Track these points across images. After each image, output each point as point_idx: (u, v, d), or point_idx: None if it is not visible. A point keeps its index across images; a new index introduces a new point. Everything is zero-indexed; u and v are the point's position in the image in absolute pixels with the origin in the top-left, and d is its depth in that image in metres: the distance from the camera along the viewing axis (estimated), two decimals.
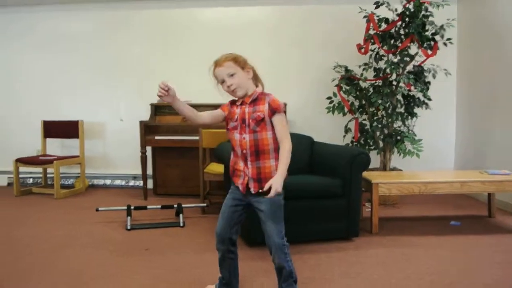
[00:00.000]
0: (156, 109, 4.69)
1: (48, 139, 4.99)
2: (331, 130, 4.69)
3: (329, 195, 3.06)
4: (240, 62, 2.03)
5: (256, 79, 2.09)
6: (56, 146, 5.11)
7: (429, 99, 4.32)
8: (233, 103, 2.11)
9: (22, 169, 4.69)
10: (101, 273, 2.51)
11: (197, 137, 3.92)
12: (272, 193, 1.90)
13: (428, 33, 4.12)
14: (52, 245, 2.99)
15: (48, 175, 4.94)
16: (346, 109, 4.37)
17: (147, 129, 4.43)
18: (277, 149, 2.02)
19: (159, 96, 2.04)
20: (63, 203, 4.30)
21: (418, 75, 4.23)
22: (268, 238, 2.02)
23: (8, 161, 4.77)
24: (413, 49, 4.25)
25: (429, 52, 4.16)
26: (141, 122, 4.38)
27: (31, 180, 5.14)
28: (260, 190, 1.96)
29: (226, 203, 2.14)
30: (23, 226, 3.46)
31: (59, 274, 2.48)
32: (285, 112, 2.04)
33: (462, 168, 4.67)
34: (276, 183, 1.90)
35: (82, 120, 4.89)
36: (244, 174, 2.04)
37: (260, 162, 2.00)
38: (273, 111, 1.99)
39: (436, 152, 4.80)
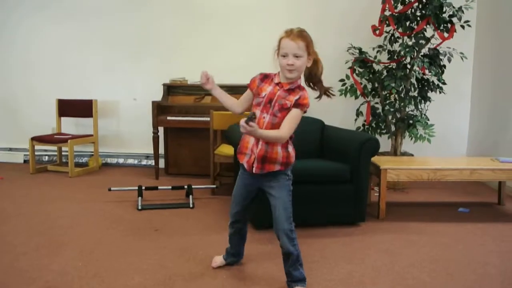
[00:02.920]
0: (169, 89, 4.71)
1: (62, 118, 5.07)
2: (343, 113, 4.66)
3: (337, 180, 3.07)
4: (310, 47, 1.98)
5: (316, 67, 2.03)
6: (71, 124, 5.19)
7: (444, 83, 4.25)
8: (265, 78, 2.07)
9: (38, 147, 4.79)
10: (111, 252, 2.59)
11: (209, 118, 3.94)
12: (247, 128, 1.79)
13: (445, 15, 4.03)
14: (65, 223, 3.09)
15: (63, 153, 5.05)
16: (358, 92, 4.33)
17: (160, 109, 4.46)
18: (290, 141, 2.05)
19: (202, 84, 2.07)
20: (77, 181, 4.41)
21: (433, 59, 4.16)
22: (277, 223, 2.06)
23: (23, 139, 4.87)
24: (429, 31, 4.16)
25: (446, 35, 4.07)
26: (153, 103, 4.41)
27: (46, 158, 5.26)
28: (254, 117, 1.86)
29: (238, 186, 2.20)
30: (38, 204, 3.56)
31: (71, 252, 2.57)
32: (305, 111, 2.02)
33: (475, 154, 4.61)
34: (254, 130, 1.83)
35: (96, 100, 4.94)
36: (251, 153, 2.06)
37: (269, 146, 2.02)
38: (297, 104, 1.98)
39: (448, 138, 4.74)
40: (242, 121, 1.81)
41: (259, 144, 2.02)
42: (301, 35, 1.96)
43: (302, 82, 2.08)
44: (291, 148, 2.09)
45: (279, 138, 1.98)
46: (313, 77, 2.06)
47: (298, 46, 1.94)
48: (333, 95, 2.11)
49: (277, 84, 2.02)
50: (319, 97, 2.09)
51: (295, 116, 1.99)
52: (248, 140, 2.08)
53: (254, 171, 2.05)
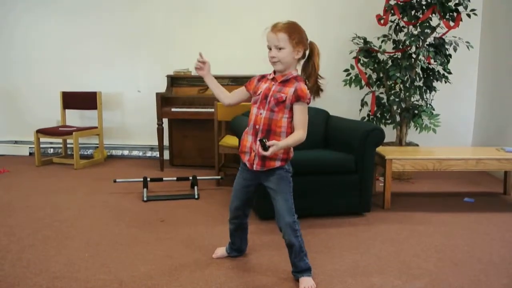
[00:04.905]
0: (173, 80, 4.71)
1: (67, 110, 5.08)
2: (348, 103, 4.64)
3: (342, 170, 3.07)
4: (294, 38, 1.97)
5: (308, 60, 2.04)
6: (76, 117, 5.20)
7: (449, 73, 4.22)
8: (262, 78, 2.11)
9: (43, 139, 4.81)
10: (117, 243, 2.60)
11: (213, 109, 3.94)
12: (268, 152, 1.88)
13: (451, 4, 3.98)
14: (71, 215, 3.11)
15: (68, 146, 5.07)
16: (363, 82, 4.31)
17: (164, 101, 4.46)
18: (288, 134, 2.03)
19: (196, 68, 2.11)
20: (82, 173, 4.43)
21: (439, 48, 4.12)
22: (278, 216, 2.07)
23: (28, 131, 4.90)
24: (435, 20, 4.11)
25: (451, 24, 4.02)
26: (157, 94, 4.41)
27: (51, 150, 5.28)
28: (264, 140, 1.90)
29: (238, 181, 2.20)
30: (44, 196, 3.59)
31: (77, 243, 2.59)
32: (308, 103, 2.01)
33: (480, 144, 4.59)
34: (276, 146, 1.90)
35: (100, 92, 4.95)
36: (251, 151, 2.07)
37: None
38: (298, 98, 1.98)
39: (453, 128, 4.72)
40: (262, 151, 1.91)
41: (257, 143, 2.03)
42: (284, 27, 1.97)
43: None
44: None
45: (300, 139, 1.98)
46: (306, 70, 2.06)
47: (278, 38, 1.96)
48: (317, 95, 2.07)
49: (272, 79, 2.05)
50: (309, 90, 2.02)
51: (301, 111, 1.99)
52: (246, 139, 2.09)
53: (254, 168, 2.06)
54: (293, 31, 1.98)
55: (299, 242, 2.08)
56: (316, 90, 2.05)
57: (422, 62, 4.20)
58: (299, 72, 2.08)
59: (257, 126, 2.03)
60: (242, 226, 2.32)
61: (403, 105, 4.26)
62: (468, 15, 4.01)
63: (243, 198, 2.21)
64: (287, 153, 2.06)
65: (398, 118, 4.31)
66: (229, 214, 2.30)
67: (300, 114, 1.99)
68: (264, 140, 1.90)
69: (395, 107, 4.28)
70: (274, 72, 2.06)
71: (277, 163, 2.05)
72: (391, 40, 4.30)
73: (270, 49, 2.00)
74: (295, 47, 1.98)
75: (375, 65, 4.26)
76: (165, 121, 4.63)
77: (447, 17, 4.00)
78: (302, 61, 2.06)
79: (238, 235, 2.34)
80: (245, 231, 2.36)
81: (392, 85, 4.27)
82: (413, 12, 4.10)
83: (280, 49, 1.96)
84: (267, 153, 1.90)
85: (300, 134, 1.98)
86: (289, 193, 2.08)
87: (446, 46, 4.13)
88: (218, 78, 4.53)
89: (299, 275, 2.10)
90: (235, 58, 4.76)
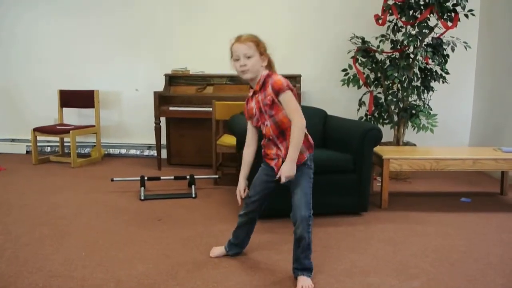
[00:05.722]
0: (171, 79, 4.70)
1: (64, 109, 5.07)
2: (346, 103, 4.65)
3: (340, 170, 3.07)
4: (260, 47, 2.06)
5: (270, 67, 2.10)
6: (73, 115, 5.19)
7: (447, 73, 4.23)
8: (247, 103, 2.16)
9: (40, 138, 4.80)
10: (115, 241, 2.60)
11: (211, 108, 3.93)
12: (282, 179, 1.98)
13: (449, 4, 3.99)
14: (68, 213, 3.10)
15: (65, 144, 5.05)
16: (361, 82, 4.31)
17: (162, 100, 4.45)
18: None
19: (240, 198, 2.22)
20: (80, 172, 4.42)
21: (436, 48, 4.13)
22: (295, 209, 2.07)
23: (26, 130, 4.89)
24: (433, 20, 4.12)
25: (449, 24, 4.04)
26: (155, 93, 4.40)
27: (48, 149, 5.27)
28: (276, 178, 2.03)
29: (259, 176, 2.23)
30: (41, 194, 3.58)
31: (74, 242, 2.58)
32: (291, 89, 2.02)
33: (477, 144, 4.60)
34: (285, 171, 1.97)
35: (97, 90, 4.94)
36: (278, 157, 2.10)
37: (288, 142, 2.04)
38: (277, 92, 2.00)
39: (451, 128, 4.73)
40: (284, 181, 1.99)
41: (279, 146, 2.08)
42: (249, 37, 2.06)
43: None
44: (306, 131, 2.10)
45: (300, 128, 1.99)
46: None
47: (247, 46, 2.03)
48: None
49: (254, 94, 2.10)
50: None
51: (288, 100, 2.01)
52: (271, 148, 2.13)
53: None
54: (259, 40, 2.08)
55: (309, 238, 2.07)
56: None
57: (420, 62, 4.21)
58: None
59: (270, 137, 2.09)
60: (253, 221, 2.33)
61: (401, 105, 4.27)
62: (466, 16, 4.02)
63: (262, 192, 2.21)
64: (307, 141, 2.11)
65: (395, 118, 4.32)
66: (243, 208, 2.29)
67: (288, 103, 2.00)
68: (275, 179, 2.04)
69: (392, 107, 4.28)
70: (250, 87, 2.13)
71: (305, 155, 2.09)
72: (389, 40, 4.31)
73: (237, 60, 2.05)
74: (262, 55, 2.06)
75: (373, 65, 4.27)
76: (163, 120, 4.62)
77: (445, 17, 4.01)
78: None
79: (246, 229, 2.34)
80: (253, 226, 2.37)
81: (390, 85, 4.28)
82: (411, 12, 4.11)
83: (249, 57, 2.03)
84: (284, 181, 1.99)
85: (297, 122, 1.98)
86: (309, 188, 2.10)
87: (444, 46, 4.14)
88: (216, 77, 4.61)
89: (300, 273, 2.09)
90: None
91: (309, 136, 2.14)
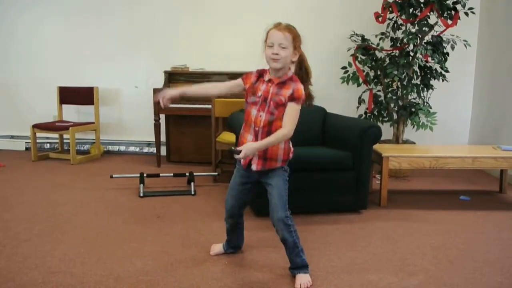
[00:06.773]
0: (170, 76, 4.69)
1: (64, 105, 5.06)
2: (345, 101, 4.64)
3: (339, 167, 3.07)
4: (297, 41, 2.01)
5: (300, 66, 2.06)
6: (73, 112, 5.18)
7: (447, 71, 4.23)
8: (260, 76, 2.09)
9: (39, 134, 4.79)
10: (113, 238, 2.60)
11: (210, 106, 3.93)
12: (241, 155, 1.92)
13: (449, 2, 3.99)
14: (67, 210, 3.10)
15: (64, 141, 5.05)
16: (361, 80, 4.31)
17: None
18: None
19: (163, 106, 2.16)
20: (79, 168, 4.42)
21: (436, 46, 4.12)
22: (272, 210, 2.08)
23: (25, 126, 4.88)
24: (433, 18, 4.12)
25: (449, 22, 4.03)
26: (154, 90, 4.40)
27: (48, 146, 5.26)
28: (233, 148, 1.99)
29: (234, 180, 2.21)
30: (40, 191, 3.57)
31: (73, 238, 2.58)
32: (301, 104, 2.02)
33: (477, 142, 4.60)
34: (248, 149, 1.93)
35: (97, 87, 4.93)
36: None
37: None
38: (292, 98, 1.98)
39: (450, 126, 4.73)
40: (236, 157, 1.94)
41: (258, 140, 2.02)
42: (289, 28, 2.01)
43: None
44: (290, 144, 2.12)
45: (284, 136, 1.99)
46: (298, 75, 2.07)
47: (284, 36, 1.97)
48: (310, 101, 2.09)
49: (269, 81, 2.04)
50: None
51: (294, 111, 2.00)
52: (246, 137, 2.09)
53: (255, 168, 2.07)
54: (297, 34, 2.02)
55: (293, 237, 2.08)
56: (308, 96, 2.06)
57: (419, 60, 4.21)
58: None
59: (257, 128, 2.04)
60: (237, 225, 2.32)
61: (400, 103, 4.26)
62: (466, 14, 4.01)
63: (238, 197, 2.21)
64: (287, 154, 2.09)
65: (395, 116, 4.32)
66: (225, 213, 2.29)
67: (291, 112, 1.99)
68: (232, 148, 1.97)
69: (392, 105, 4.28)
70: (269, 72, 2.06)
71: (278, 163, 2.07)
72: (389, 38, 4.31)
73: (270, 46, 1.99)
74: (294, 50, 2.00)
75: (373, 63, 4.26)
76: (162, 117, 4.62)
77: (445, 15, 4.01)
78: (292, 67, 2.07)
79: (235, 234, 2.36)
80: (241, 229, 2.37)
81: (390, 83, 4.27)
82: (411, 10, 4.11)
83: (283, 48, 1.97)
84: (241, 156, 1.93)
85: (284, 131, 1.98)
86: (284, 189, 2.09)
87: (444, 44, 4.13)
88: (217, 74, 4.60)
89: (296, 272, 2.10)
90: (234, 54, 4.74)
91: (292, 150, 2.12)
